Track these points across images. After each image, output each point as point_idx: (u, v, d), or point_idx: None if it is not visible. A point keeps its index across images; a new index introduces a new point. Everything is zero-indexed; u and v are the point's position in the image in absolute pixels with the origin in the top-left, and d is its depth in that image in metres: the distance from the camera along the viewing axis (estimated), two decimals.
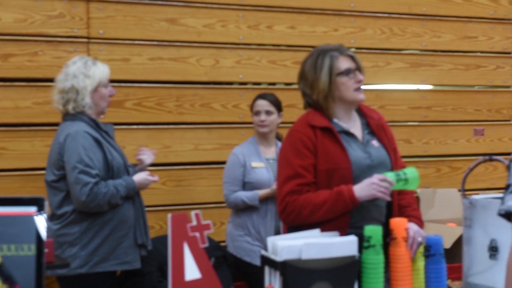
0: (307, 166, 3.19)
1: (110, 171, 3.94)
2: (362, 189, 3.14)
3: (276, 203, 3.39)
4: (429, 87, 6.08)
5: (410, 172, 3.21)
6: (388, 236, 3.08)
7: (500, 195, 2.68)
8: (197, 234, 2.70)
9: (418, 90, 6.03)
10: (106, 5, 5.04)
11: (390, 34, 5.86)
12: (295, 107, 5.29)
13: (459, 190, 5.62)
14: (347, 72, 3.29)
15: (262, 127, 4.77)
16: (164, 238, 4.06)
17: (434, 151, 6.06)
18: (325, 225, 3.14)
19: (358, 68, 3.34)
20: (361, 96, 3.33)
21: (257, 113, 4.79)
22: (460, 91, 6.16)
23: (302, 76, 3.37)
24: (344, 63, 3.30)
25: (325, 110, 3.31)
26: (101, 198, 3.83)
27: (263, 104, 4.78)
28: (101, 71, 4.01)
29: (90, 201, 3.81)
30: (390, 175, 3.18)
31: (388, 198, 3.17)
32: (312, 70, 3.31)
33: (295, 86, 5.41)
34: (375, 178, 3.15)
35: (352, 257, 2.84)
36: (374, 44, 5.82)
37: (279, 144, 4.82)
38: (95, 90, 3.97)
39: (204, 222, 2.73)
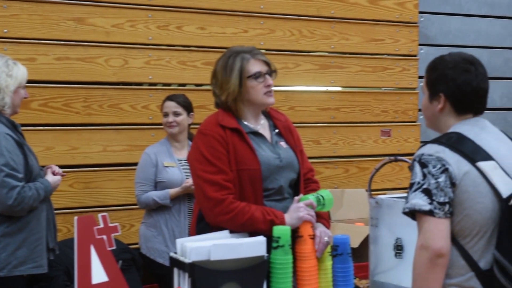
0: (226, 164, 3.18)
1: (28, 175, 3.87)
2: (291, 216, 3.15)
3: (197, 197, 3.33)
4: (338, 88, 6.17)
5: (327, 196, 3.27)
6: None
7: (406, 194, 2.74)
8: (104, 237, 2.67)
9: (326, 92, 6.11)
10: (10, 3, 4.92)
11: (299, 36, 5.91)
12: (205, 108, 5.28)
13: (367, 190, 5.72)
14: (256, 76, 3.29)
15: (171, 127, 4.77)
16: (71, 241, 3.97)
17: (343, 151, 6.15)
18: None
19: (270, 72, 3.35)
20: (270, 100, 3.34)
21: (165, 114, 4.79)
22: (368, 92, 6.27)
23: (214, 75, 3.37)
24: (254, 67, 3.30)
25: (234, 111, 3.31)
26: (27, 202, 3.78)
27: (170, 106, 4.78)
28: (22, 72, 3.97)
29: (17, 204, 3.75)
30: (313, 199, 3.22)
31: (315, 222, 3.20)
32: (223, 70, 3.31)
33: (206, 87, 5.42)
34: (301, 203, 3.18)
35: (261, 257, 2.85)
36: (283, 46, 5.86)
37: None
38: (15, 90, 3.90)
39: (111, 224, 2.70)
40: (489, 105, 2.80)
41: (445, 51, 2.85)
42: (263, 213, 3.11)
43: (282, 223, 3.10)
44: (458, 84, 2.67)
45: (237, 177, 3.19)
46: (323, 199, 3.25)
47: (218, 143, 3.19)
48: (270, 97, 3.33)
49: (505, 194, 2.54)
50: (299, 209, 3.15)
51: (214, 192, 3.13)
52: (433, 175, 2.54)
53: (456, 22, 6.64)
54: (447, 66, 2.71)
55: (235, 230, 3.09)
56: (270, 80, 3.32)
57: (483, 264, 2.57)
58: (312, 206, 3.19)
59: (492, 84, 2.79)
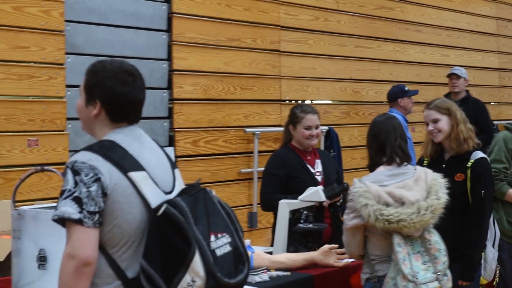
0: None
1: None
2: None
3: None
4: None
5: None
6: None
7: (53, 204, 2.73)
8: None
9: None
10: None
11: None
12: None
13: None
14: None
15: None
16: None
17: None
18: None
19: None
20: None
21: None
22: (13, 101, 6.10)
23: None
24: None
25: None
26: None
27: None
28: None
29: None
30: None
31: None
32: None
33: None
34: None
35: None
36: None
37: None
38: None
39: None
40: None
41: (92, 60, 2.88)
42: None
43: None
44: (115, 94, 2.73)
45: None
46: None
47: None
48: None
49: (154, 204, 2.64)
50: None
51: None
52: (85, 184, 2.55)
53: (103, 32, 6.70)
54: (107, 75, 2.75)
55: None
56: None
57: (131, 273, 2.63)
58: None
59: None
